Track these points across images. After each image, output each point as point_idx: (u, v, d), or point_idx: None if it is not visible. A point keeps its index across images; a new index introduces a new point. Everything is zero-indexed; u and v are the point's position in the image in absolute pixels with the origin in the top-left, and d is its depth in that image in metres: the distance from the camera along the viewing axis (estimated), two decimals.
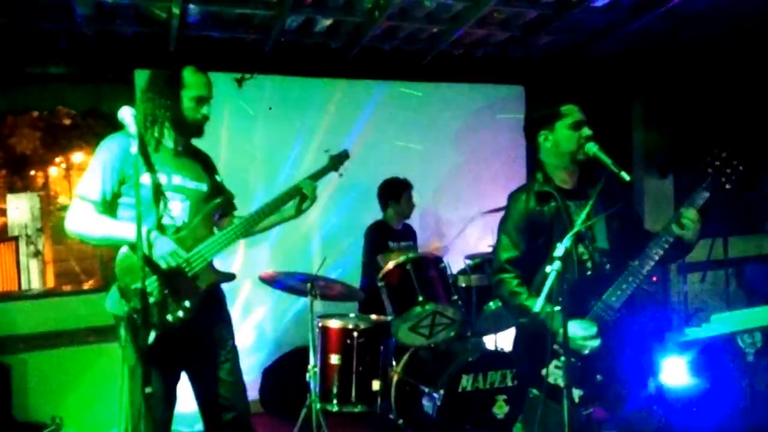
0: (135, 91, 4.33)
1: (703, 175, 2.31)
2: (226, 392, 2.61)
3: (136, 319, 2.29)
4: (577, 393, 2.33)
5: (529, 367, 2.45)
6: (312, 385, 3.50)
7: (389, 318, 3.88)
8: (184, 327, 2.44)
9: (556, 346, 2.33)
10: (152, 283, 2.40)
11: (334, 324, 3.87)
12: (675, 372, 3.74)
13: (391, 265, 3.88)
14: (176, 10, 3.79)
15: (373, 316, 4.03)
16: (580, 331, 2.30)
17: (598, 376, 2.34)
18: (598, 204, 2.35)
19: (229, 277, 2.63)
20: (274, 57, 4.65)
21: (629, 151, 5.91)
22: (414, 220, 4.72)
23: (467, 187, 5.38)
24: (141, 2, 3.82)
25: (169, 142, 2.58)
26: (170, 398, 2.57)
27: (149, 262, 2.36)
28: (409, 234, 4.67)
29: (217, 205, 2.63)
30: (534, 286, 2.45)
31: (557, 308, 2.20)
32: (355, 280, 4.43)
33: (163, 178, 2.49)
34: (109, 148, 2.49)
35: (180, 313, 2.42)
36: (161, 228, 2.47)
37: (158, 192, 2.46)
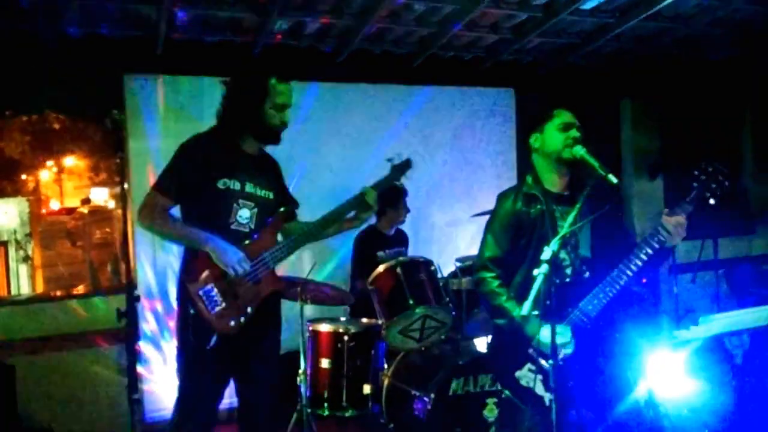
0: (123, 94, 4.32)
1: (691, 182, 2.30)
2: (263, 396, 2.66)
3: (198, 321, 2.41)
4: (548, 397, 2.34)
5: (503, 369, 2.48)
6: (302, 390, 3.49)
7: (380, 322, 3.87)
8: (241, 332, 2.48)
9: (531, 350, 2.34)
10: (216, 289, 2.45)
11: (325, 328, 3.86)
12: (665, 374, 3.75)
13: (381, 268, 3.88)
14: (164, 14, 3.78)
15: (364, 320, 4.02)
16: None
17: (570, 383, 2.34)
18: (585, 208, 2.35)
19: (289, 285, 2.67)
20: (264, 60, 4.64)
21: (618, 153, 5.94)
22: (404, 224, 4.71)
23: (457, 189, 5.38)
24: (129, 5, 3.81)
25: (247, 148, 2.61)
26: (220, 397, 2.61)
27: (217, 267, 2.43)
28: (401, 239, 4.66)
29: (282, 214, 2.67)
30: (512, 287, 2.48)
31: (534, 313, 2.22)
32: (345, 285, 4.41)
33: (236, 185, 2.53)
34: (192, 147, 2.54)
35: (242, 319, 2.47)
36: (229, 233, 2.50)
37: (231, 198, 2.51)
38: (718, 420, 3.73)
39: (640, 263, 2.28)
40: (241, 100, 2.56)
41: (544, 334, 2.29)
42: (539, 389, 2.37)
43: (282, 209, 2.68)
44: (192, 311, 2.42)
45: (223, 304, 2.45)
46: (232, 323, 2.45)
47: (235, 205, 2.52)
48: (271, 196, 2.66)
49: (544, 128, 2.49)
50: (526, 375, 2.37)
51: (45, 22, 3.88)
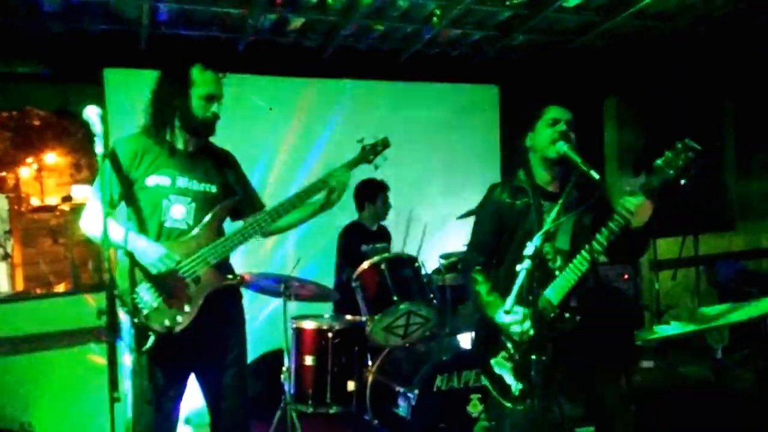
0: (104, 90, 4.27)
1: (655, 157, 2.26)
2: (228, 396, 2.58)
3: (136, 323, 2.33)
4: (517, 387, 2.37)
5: (482, 355, 2.51)
6: (287, 387, 3.48)
7: (364, 318, 3.87)
8: (189, 330, 2.41)
9: (503, 338, 2.39)
10: (148, 289, 2.38)
11: (309, 325, 3.85)
12: (645, 368, 3.79)
13: (366, 265, 3.87)
14: (146, 8, 3.74)
15: (348, 317, 4.02)
16: (508, 317, 2.30)
17: (533, 374, 2.32)
18: (568, 203, 2.35)
19: (235, 281, 2.58)
20: (249, 56, 4.61)
21: (602, 150, 5.97)
22: (388, 220, 4.71)
23: (442, 186, 5.39)
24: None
25: (180, 143, 2.53)
26: (177, 398, 2.55)
27: (142, 267, 2.37)
28: (384, 235, 4.66)
29: (225, 207, 2.55)
30: (498, 279, 2.49)
31: (492, 298, 2.35)
32: (329, 281, 4.41)
33: (165, 181, 2.46)
34: (116, 149, 2.45)
35: (179, 318, 2.39)
36: (164, 231, 2.44)
37: (161, 195, 2.44)
38: (700, 414, 3.77)
39: (600, 248, 2.25)
40: (166, 92, 2.48)
41: (502, 314, 2.30)
42: (508, 378, 2.40)
43: (225, 202, 2.54)
44: (125, 312, 2.33)
45: (155, 304, 2.38)
46: (167, 323, 2.37)
47: (165, 201, 2.44)
48: (214, 189, 2.54)
49: (536, 126, 2.50)
50: (499, 362, 2.41)
51: (26, 17, 3.83)
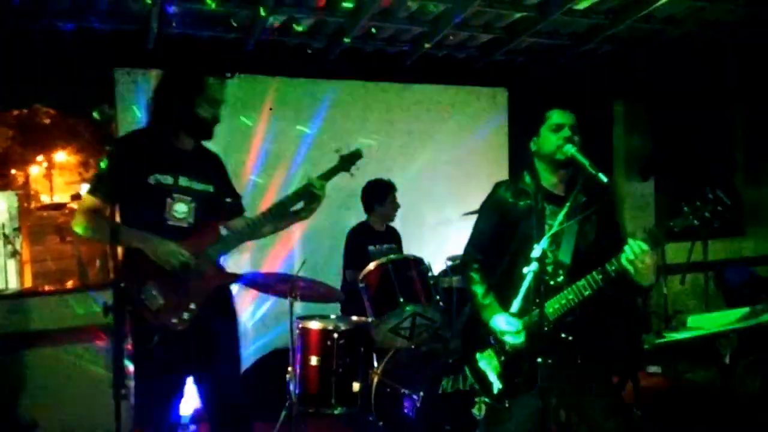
0: (114, 90, 4.29)
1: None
2: (225, 392, 2.60)
3: (141, 320, 2.36)
4: (497, 386, 2.40)
5: (467, 345, 2.54)
6: (291, 387, 3.48)
7: (370, 319, 3.86)
8: (190, 327, 2.43)
9: (493, 339, 2.41)
10: (155, 286, 2.40)
11: (314, 325, 3.85)
12: (652, 373, 3.77)
13: (372, 266, 3.87)
14: (155, 8, 3.75)
15: (354, 318, 4.02)
16: (506, 326, 2.34)
17: (518, 379, 2.35)
18: (575, 207, 2.35)
19: (235, 277, 2.64)
20: (256, 57, 4.62)
21: (610, 154, 5.95)
22: (395, 222, 4.71)
23: (449, 188, 5.38)
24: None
25: (180, 143, 2.56)
26: (177, 396, 2.56)
27: (152, 263, 2.38)
28: (393, 236, 4.65)
29: (223, 207, 2.63)
30: (494, 279, 2.50)
31: (488, 300, 2.37)
32: (336, 282, 4.40)
33: (168, 179, 2.48)
34: (121, 146, 2.49)
35: (185, 315, 2.42)
36: (166, 229, 2.45)
37: (164, 193, 2.46)
38: (703, 419, 3.75)
39: (601, 283, 2.23)
40: (174, 94, 2.51)
41: (498, 321, 2.36)
42: (491, 376, 2.42)
43: (224, 202, 2.63)
44: (131, 310, 2.35)
45: (162, 301, 2.39)
46: (174, 320, 2.39)
47: (168, 199, 2.46)
48: (211, 189, 2.60)
49: (540, 131, 2.49)
50: (484, 358, 2.44)
51: (35, 16, 3.85)
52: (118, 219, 2.44)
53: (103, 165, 2.48)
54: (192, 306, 2.43)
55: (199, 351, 2.52)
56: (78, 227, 2.47)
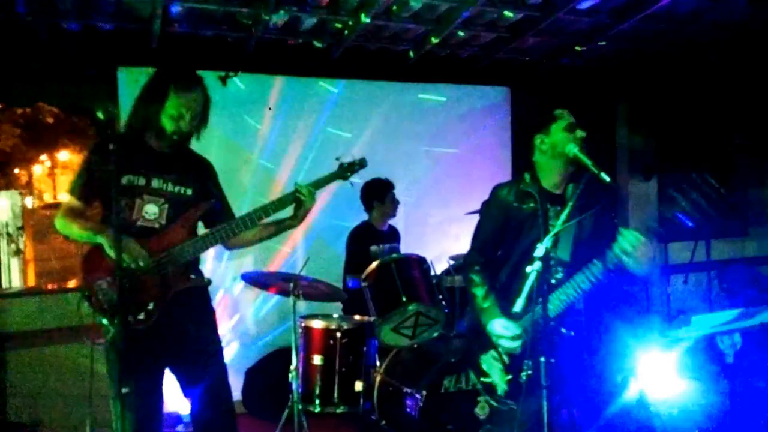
0: (118, 89, 4.29)
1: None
2: (210, 393, 2.58)
3: (95, 316, 2.38)
4: (501, 387, 2.42)
5: (471, 347, 2.56)
6: (294, 386, 3.48)
7: (372, 318, 3.86)
8: (158, 327, 2.42)
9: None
10: (110, 283, 2.39)
11: (317, 324, 3.84)
12: (656, 374, 3.76)
13: (374, 265, 3.87)
14: (158, 8, 3.75)
15: (357, 317, 4.01)
16: (503, 330, 2.36)
17: (522, 380, 2.33)
18: (578, 207, 2.35)
19: (202, 282, 2.59)
20: (259, 56, 4.62)
21: (613, 153, 5.94)
22: (398, 221, 4.71)
23: (452, 187, 5.38)
24: None
25: (155, 144, 2.55)
26: (156, 395, 2.56)
27: (112, 260, 2.35)
28: (394, 235, 4.66)
29: (198, 209, 2.58)
30: (498, 282, 2.52)
31: (488, 304, 2.37)
32: (338, 281, 4.41)
33: (140, 180, 2.48)
34: (97, 146, 2.51)
35: (141, 316, 2.40)
36: (136, 229, 2.44)
37: (135, 194, 2.46)
38: (710, 420, 3.74)
39: (600, 276, 2.27)
40: (142, 99, 2.52)
41: (495, 326, 2.38)
42: (495, 377, 2.44)
43: (200, 204, 2.58)
44: (87, 306, 2.36)
45: (115, 297, 2.36)
46: (129, 318, 2.37)
47: (138, 200, 2.47)
48: (189, 192, 2.57)
49: (550, 129, 2.47)
50: (487, 360, 2.45)
51: (39, 15, 3.86)
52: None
53: (79, 167, 2.55)
54: (150, 307, 2.41)
55: (168, 350, 2.52)
56: (58, 225, 2.51)
